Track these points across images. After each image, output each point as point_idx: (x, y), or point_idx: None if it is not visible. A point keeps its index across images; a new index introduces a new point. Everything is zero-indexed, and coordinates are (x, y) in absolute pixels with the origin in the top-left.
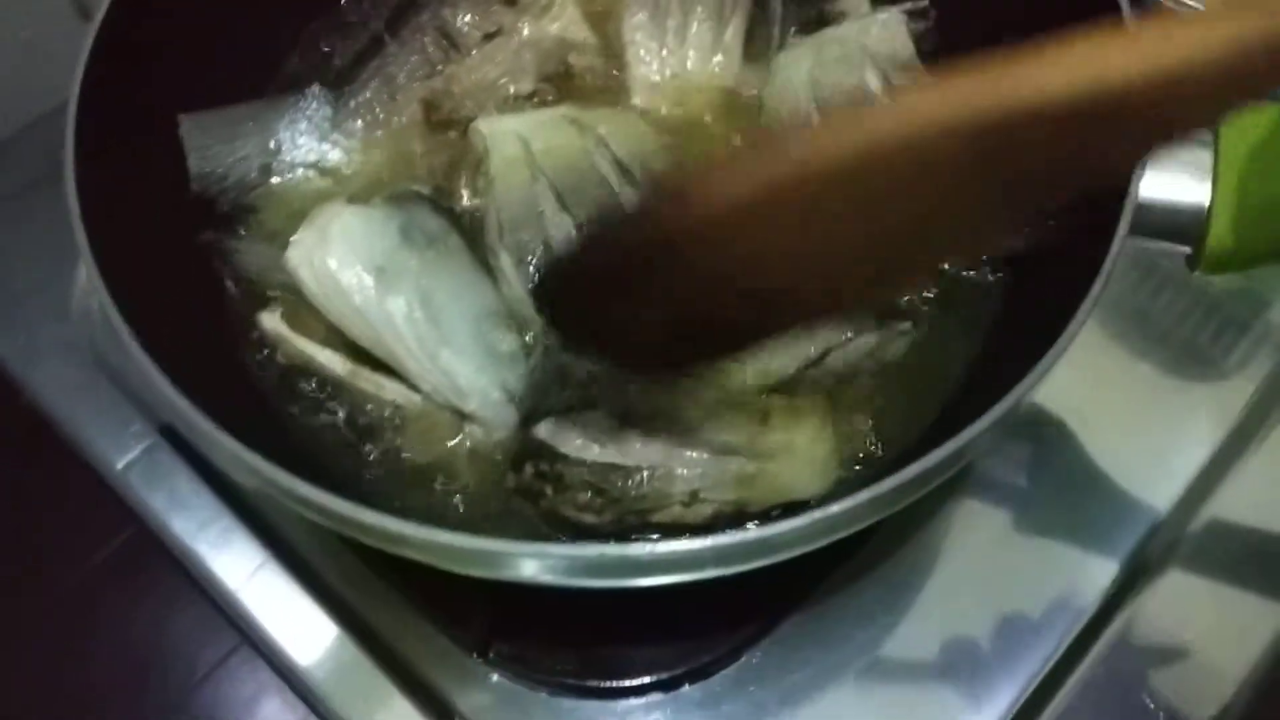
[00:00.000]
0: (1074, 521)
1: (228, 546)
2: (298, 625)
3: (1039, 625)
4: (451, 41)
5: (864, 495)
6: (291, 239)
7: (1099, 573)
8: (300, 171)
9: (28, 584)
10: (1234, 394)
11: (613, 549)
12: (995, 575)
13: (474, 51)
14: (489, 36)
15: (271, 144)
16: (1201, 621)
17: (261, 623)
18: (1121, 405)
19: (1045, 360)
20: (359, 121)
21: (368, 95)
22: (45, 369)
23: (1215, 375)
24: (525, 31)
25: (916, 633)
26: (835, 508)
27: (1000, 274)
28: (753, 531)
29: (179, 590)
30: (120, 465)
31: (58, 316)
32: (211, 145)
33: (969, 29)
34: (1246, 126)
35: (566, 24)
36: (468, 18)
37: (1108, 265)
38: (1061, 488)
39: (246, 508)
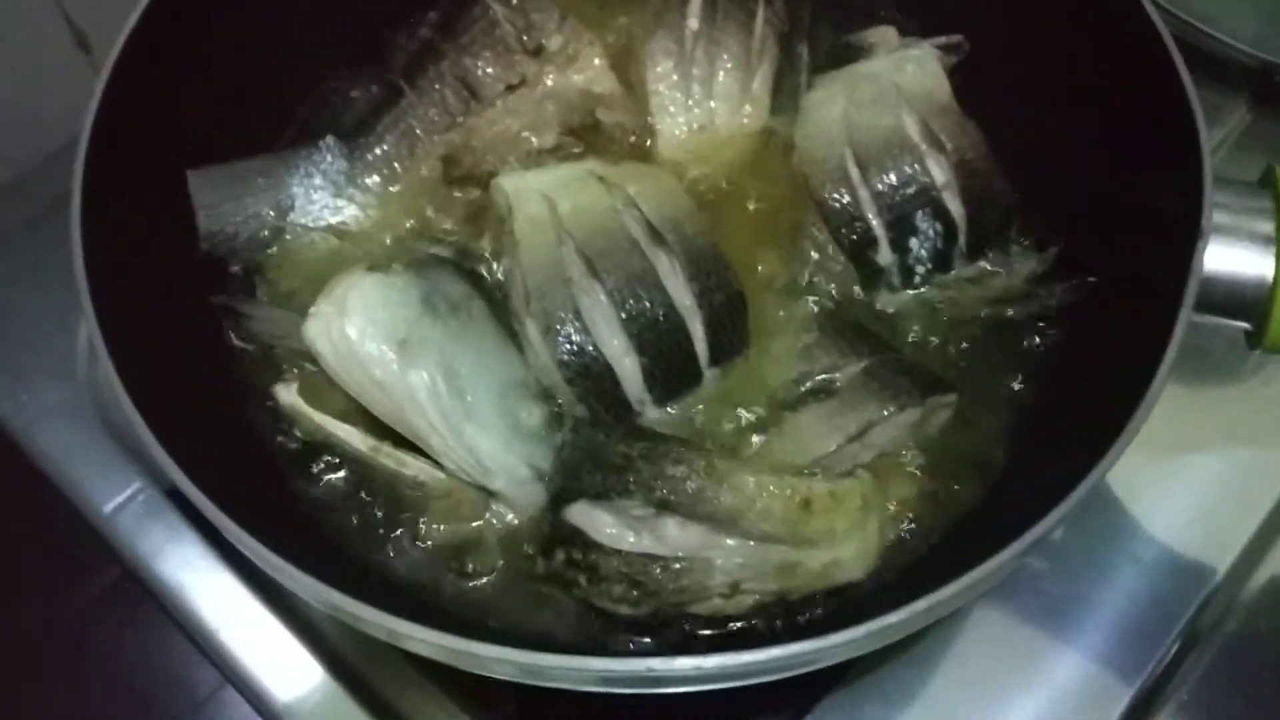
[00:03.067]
0: (1121, 592)
1: (216, 589)
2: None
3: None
4: (473, 92)
5: (922, 604)
6: (310, 310)
7: (1144, 648)
8: (315, 229)
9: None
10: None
11: (659, 664)
12: (1033, 650)
13: (496, 103)
14: (511, 88)
15: (284, 200)
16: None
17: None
18: (1168, 471)
19: (1115, 449)
20: (375, 176)
21: (385, 148)
22: (46, 428)
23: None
24: (549, 82)
25: (952, 713)
26: (893, 617)
27: (1050, 341)
28: (806, 644)
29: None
30: (108, 509)
31: (61, 374)
32: (221, 203)
33: (1003, 61)
34: None
35: (592, 75)
36: (490, 69)
37: (1170, 353)
38: (1104, 557)
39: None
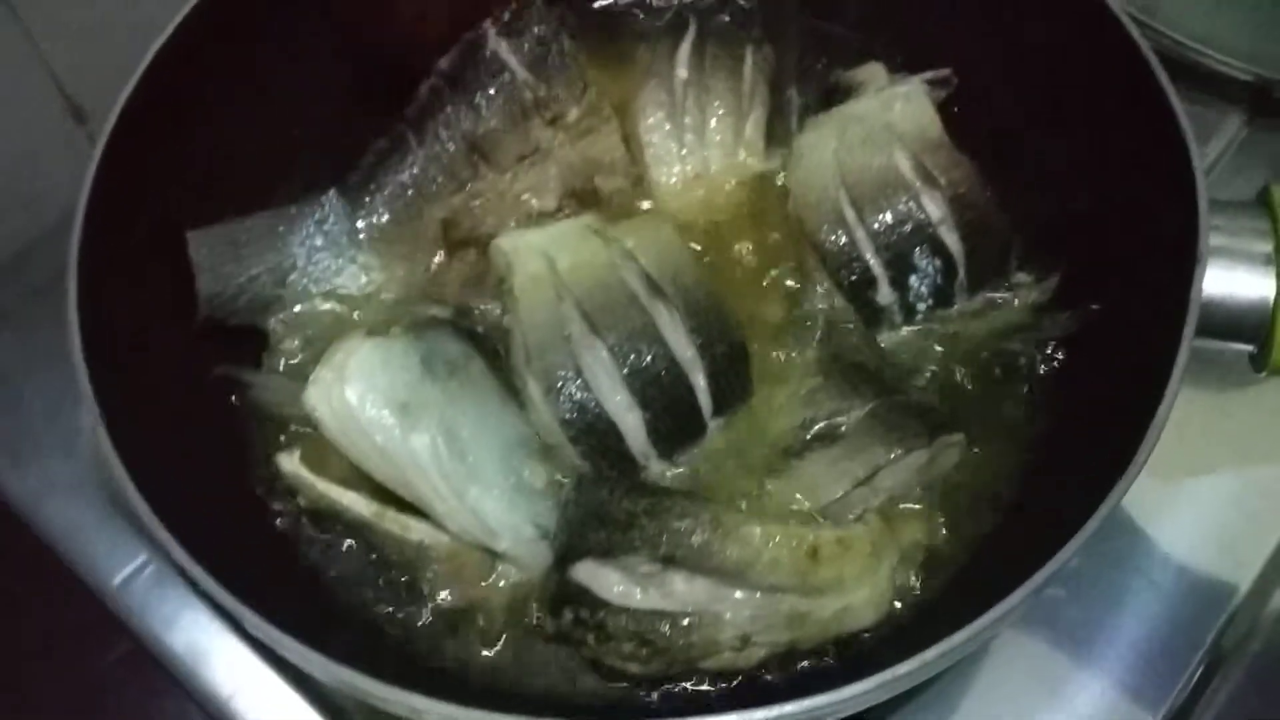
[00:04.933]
0: (1141, 617)
1: (227, 656)
2: None
3: None
4: (483, 156)
5: (932, 653)
6: (309, 377)
7: (1168, 674)
8: (316, 291)
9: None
10: None
11: None
12: (1054, 680)
13: (506, 174)
14: (523, 157)
15: (285, 261)
16: None
17: None
18: (1182, 491)
19: (1121, 484)
20: (377, 236)
21: (388, 207)
22: (53, 502)
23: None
24: (561, 151)
25: None
26: (904, 668)
27: (1056, 372)
28: (820, 698)
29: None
30: (117, 581)
31: (67, 447)
32: (222, 264)
33: (993, 92)
34: None
35: (606, 148)
36: (504, 135)
37: (1174, 381)
38: (1122, 582)
39: None
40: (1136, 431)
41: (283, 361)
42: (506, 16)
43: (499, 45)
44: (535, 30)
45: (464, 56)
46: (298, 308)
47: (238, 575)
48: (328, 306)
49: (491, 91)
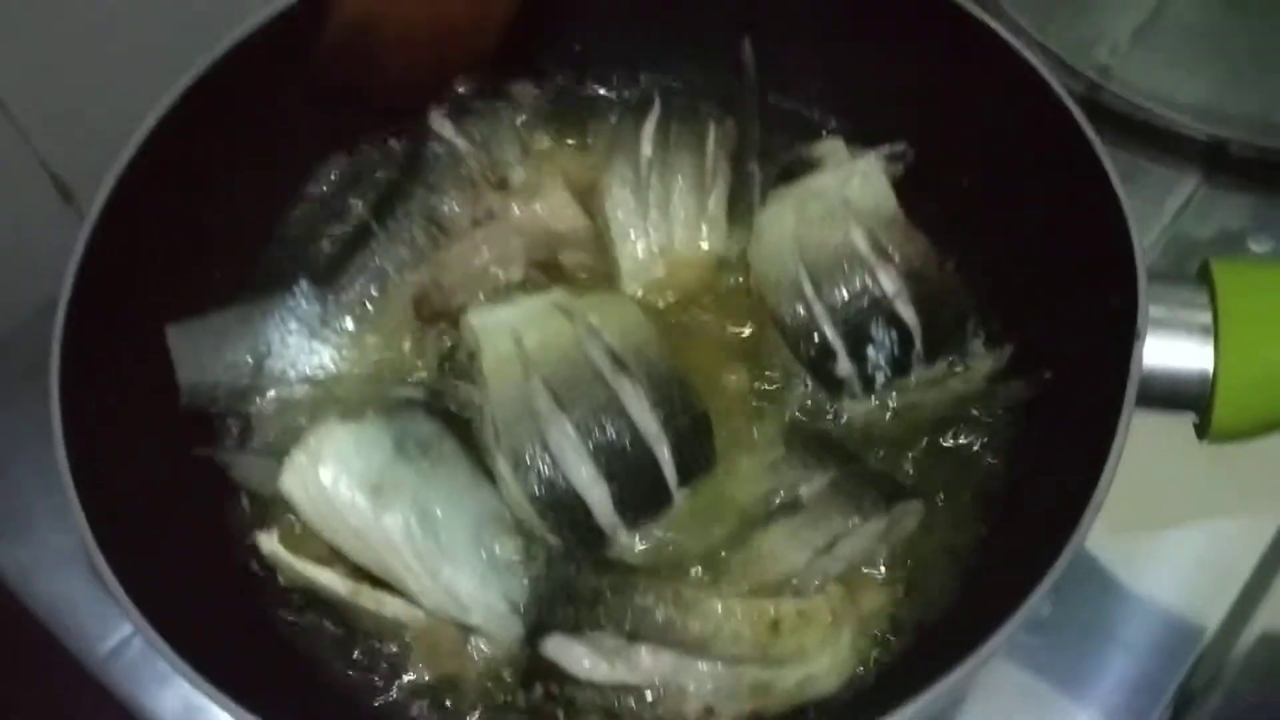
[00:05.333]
0: (1107, 667)
1: None
2: None
3: None
4: (441, 228)
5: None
6: (284, 460)
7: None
8: (294, 375)
9: None
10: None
11: None
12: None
13: (464, 239)
14: (478, 222)
15: (261, 348)
16: None
17: None
18: (1145, 542)
19: (1066, 551)
20: (349, 317)
21: (357, 290)
22: (39, 575)
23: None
24: (516, 212)
25: None
26: None
27: (1011, 437)
28: None
29: None
30: (104, 652)
31: (55, 521)
32: (200, 355)
33: (946, 166)
34: (1245, 284)
35: (556, 205)
36: (457, 205)
37: (1115, 452)
38: (1090, 632)
39: None
40: (1081, 499)
41: (261, 437)
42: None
43: (443, 126)
44: (476, 108)
45: (413, 141)
46: (275, 392)
47: (213, 656)
48: (304, 389)
49: (440, 166)
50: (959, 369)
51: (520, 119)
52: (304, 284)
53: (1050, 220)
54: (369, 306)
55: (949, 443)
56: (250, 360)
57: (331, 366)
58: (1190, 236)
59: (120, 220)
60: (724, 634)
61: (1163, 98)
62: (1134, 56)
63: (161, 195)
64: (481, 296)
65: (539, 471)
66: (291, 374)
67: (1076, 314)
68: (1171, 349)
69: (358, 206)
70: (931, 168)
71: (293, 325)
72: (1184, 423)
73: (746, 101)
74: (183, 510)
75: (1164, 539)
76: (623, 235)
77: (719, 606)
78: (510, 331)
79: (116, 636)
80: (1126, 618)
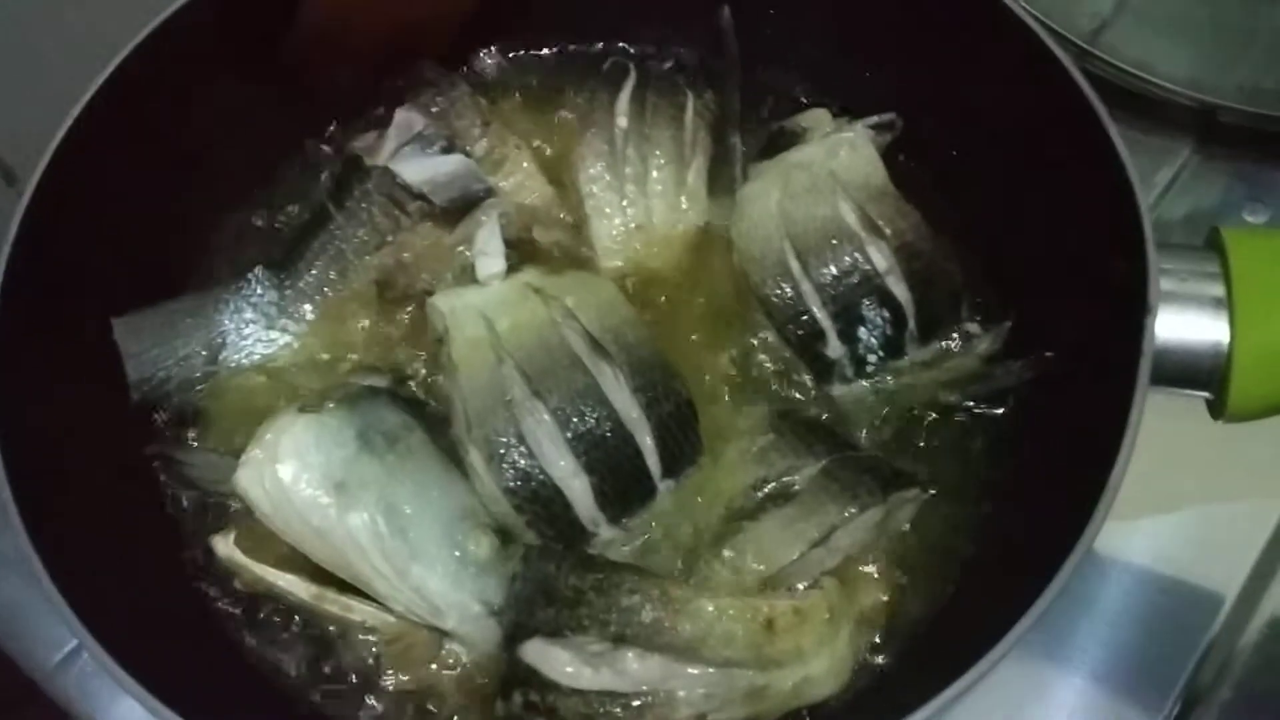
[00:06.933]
0: (1113, 654)
1: None
2: None
3: None
4: (401, 207)
5: None
6: (240, 458)
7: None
8: (249, 364)
9: None
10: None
11: None
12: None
13: (427, 221)
14: None
15: (215, 339)
16: None
17: None
18: (1145, 531)
19: (1081, 543)
20: (307, 304)
21: (315, 275)
22: None
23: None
24: None
25: None
26: None
27: (1012, 421)
28: None
29: None
30: (52, 664)
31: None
32: (149, 349)
33: (938, 135)
34: (1258, 252)
35: (521, 179)
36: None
37: (1130, 434)
38: (1090, 622)
39: None
40: (1094, 487)
41: (218, 436)
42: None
43: (404, 113)
44: (433, 89)
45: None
46: (230, 382)
47: (164, 670)
48: (261, 379)
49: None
50: (954, 349)
51: (480, 90)
52: (259, 270)
53: (1048, 189)
54: (328, 291)
55: (944, 428)
56: (204, 352)
57: (290, 353)
58: (1182, 210)
59: (59, 202)
60: (716, 635)
61: (1150, 66)
62: (1120, 24)
63: (104, 175)
64: (450, 278)
65: (514, 463)
66: (248, 363)
67: (1079, 288)
68: (1183, 322)
69: (315, 190)
70: (921, 139)
71: (248, 314)
72: (1188, 403)
73: (727, 71)
74: (131, 512)
75: (1167, 522)
76: (598, 211)
77: (710, 606)
78: (481, 316)
79: (67, 646)
80: (1131, 605)
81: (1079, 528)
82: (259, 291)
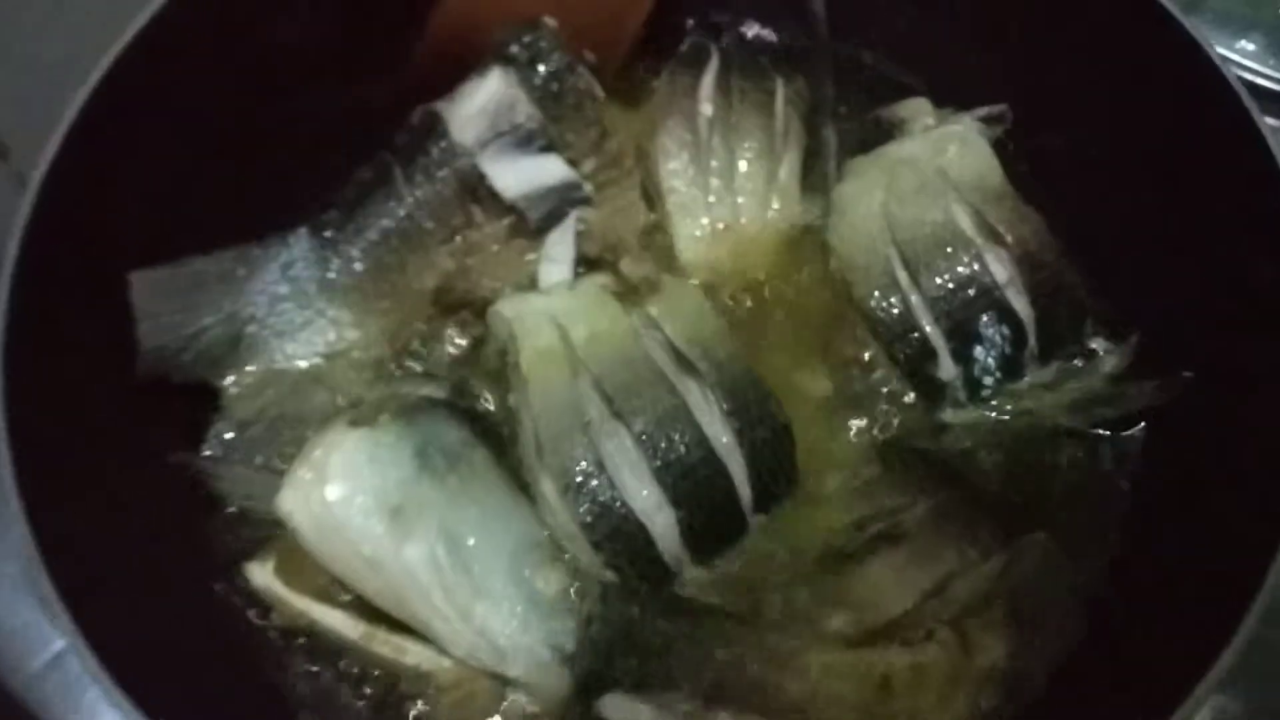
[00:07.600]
0: None
1: None
2: None
3: None
4: (475, 197)
5: None
6: (284, 479)
7: None
8: (278, 347)
9: None
10: None
11: None
12: None
13: (503, 220)
14: None
15: (243, 310)
16: None
17: None
18: None
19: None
20: (353, 287)
21: (366, 254)
22: None
23: None
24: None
25: None
26: None
27: (1148, 449)
28: None
29: None
30: (34, 669)
31: None
32: (168, 312)
33: (1055, 129)
34: None
35: (625, 206)
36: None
37: None
38: None
39: None
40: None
41: (236, 427)
42: (514, 46)
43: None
44: (547, 63)
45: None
46: (254, 366)
47: (168, 690)
48: (290, 367)
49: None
50: (1078, 369)
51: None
52: (303, 235)
53: (1184, 187)
54: (379, 278)
55: (1070, 459)
56: (228, 323)
57: (325, 343)
58: None
59: (76, 170)
60: (822, 695)
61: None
62: None
63: (126, 135)
64: (508, 291)
65: (593, 494)
66: (276, 345)
67: (1222, 297)
68: None
69: (386, 148)
70: (1032, 133)
71: (283, 287)
72: None
73: (817, 54)
74: (153, 530)
75: None
76: (681, 209)
77: (818, 662)
78: (553, 323)
79: (48, 652)
80: None
81: (1261, 568)
82: (299, 262)
